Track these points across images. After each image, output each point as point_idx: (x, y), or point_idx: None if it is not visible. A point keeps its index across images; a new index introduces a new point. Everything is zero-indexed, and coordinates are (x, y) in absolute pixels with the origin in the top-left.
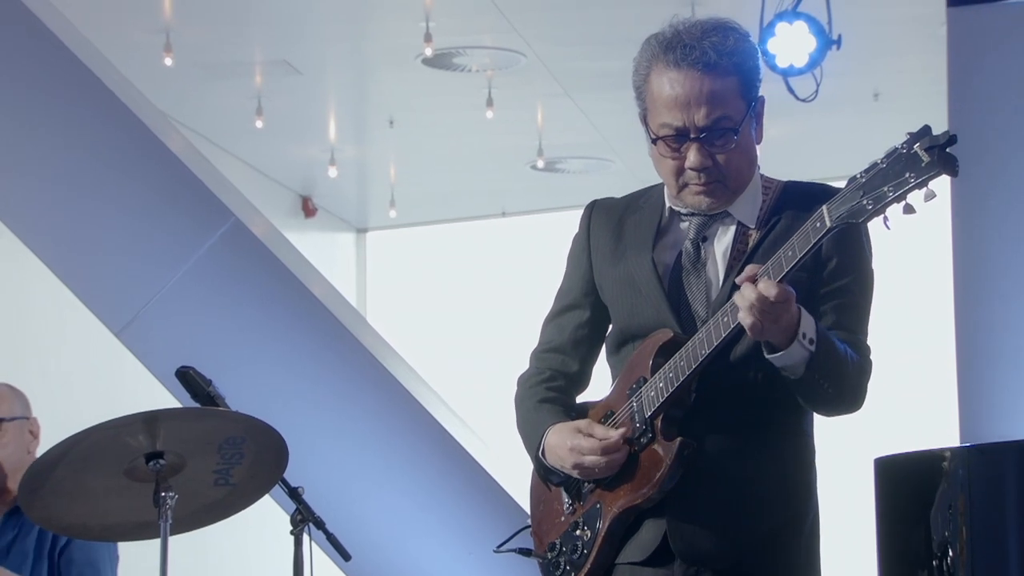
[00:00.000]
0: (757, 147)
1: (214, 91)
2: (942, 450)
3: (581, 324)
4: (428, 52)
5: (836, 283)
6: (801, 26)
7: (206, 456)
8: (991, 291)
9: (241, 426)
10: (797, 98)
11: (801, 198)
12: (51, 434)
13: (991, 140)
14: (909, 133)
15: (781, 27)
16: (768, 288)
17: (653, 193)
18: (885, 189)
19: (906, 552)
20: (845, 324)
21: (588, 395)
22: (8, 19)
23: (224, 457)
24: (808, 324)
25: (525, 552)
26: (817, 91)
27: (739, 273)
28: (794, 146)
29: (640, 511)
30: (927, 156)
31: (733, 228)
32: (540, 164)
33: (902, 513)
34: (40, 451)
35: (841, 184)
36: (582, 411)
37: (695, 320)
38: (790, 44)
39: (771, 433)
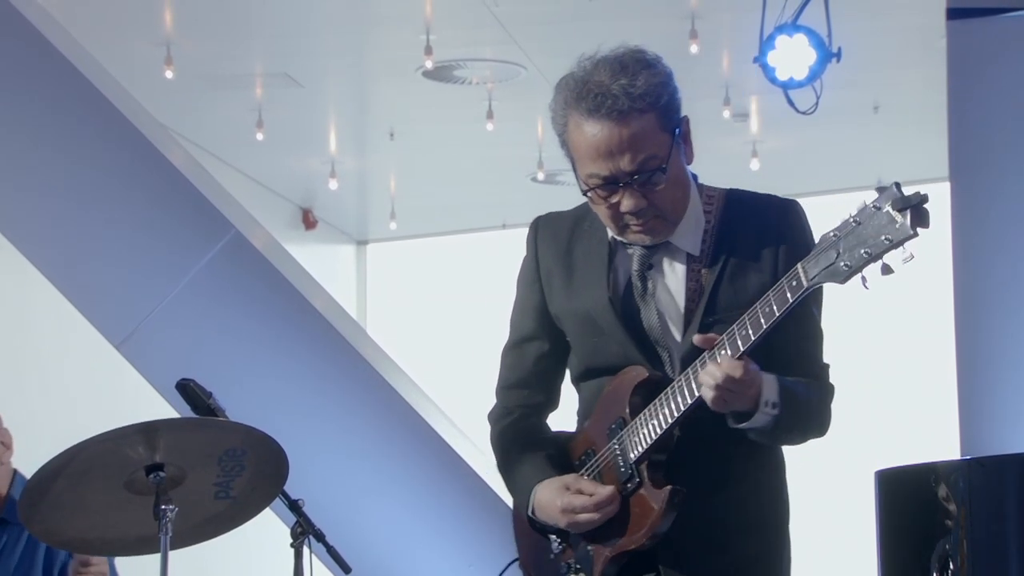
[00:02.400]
0: (689, 168)
1: (215, 103)
2: (943, 463)
3: (543, 356)
4: (428, 64)
5: (798, 311)
6: (801, 39)
7: (206, 468)
8: (991, 302)
9: (241, 437)
10: (797, 111)
11: (746, 215)
12: (51, 447)
13: (991, 152)
14: (878, 190)
15: (781, 40)
16: (734, 369)
17: (597, 217)
18: (862, 252)
19: (908, 565)
20: (807, 351)
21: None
22: (10, 32)
23: (224, 469)
24: (770, 389)
25: None
26: (817, 103)
27: (705, 314)
28: (795, 158)
29: (631, 555)
30: (900, 217)
31: (680, 259)
32: (540, 176)
33: (904, 526)
34: (33, 463)
35: (850, 194)
36: (558, 443)
37: (659, 354)
38: (790, 57)
39: (745, 468)
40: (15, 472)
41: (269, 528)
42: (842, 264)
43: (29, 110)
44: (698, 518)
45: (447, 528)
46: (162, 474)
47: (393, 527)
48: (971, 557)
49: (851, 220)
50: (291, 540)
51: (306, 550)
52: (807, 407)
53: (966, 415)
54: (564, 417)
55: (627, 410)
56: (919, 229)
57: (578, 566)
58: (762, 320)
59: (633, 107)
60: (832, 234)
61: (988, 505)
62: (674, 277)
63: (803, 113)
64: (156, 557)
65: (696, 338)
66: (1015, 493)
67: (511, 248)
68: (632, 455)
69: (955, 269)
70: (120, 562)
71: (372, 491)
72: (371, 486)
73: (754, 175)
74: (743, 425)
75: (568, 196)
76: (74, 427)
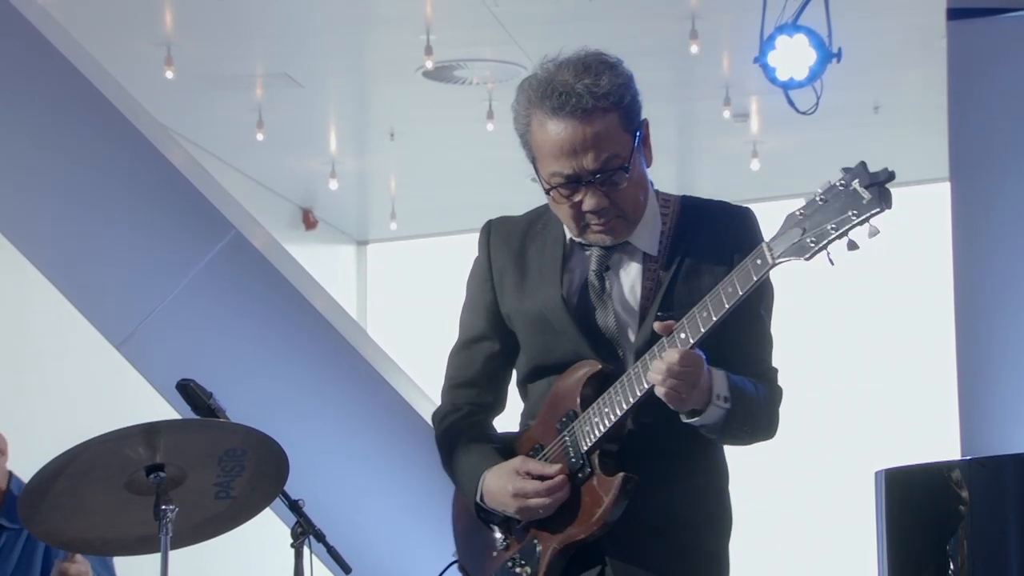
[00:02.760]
0: (648, 170)
1: (215, 104)
2: (946, 463)
3: (492, 356)
4: (429, 65)
5: (747, 311)
6: (801, 39)
7: (206, 469)
8: (991, 302)
9: (241, 437)
10: (797, 111)
11: (702, 220)
12: (51, 448)
13: (991, 152)
14: (844, 169)
15: (781, 40)
16: (673, 355)
17: (552, 219)
18: (828, 227)
19: (911, 564)
20: (757, 353)
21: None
22: (10, 32)
23: (224, 470)
24: (719, 383)
25: None
26: (817, 104)
27: (659, 309)
28: (794, 159)
29: (580, 546)
30: (867, 194)
31: (638, 259)
32: None
33: (908, 525)
34: (33, 463)
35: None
36: (503, 443)
37: (615, 351)
38: (790, 57)
39: (690, 461)
40: (10, 474)
41: (269, 528)
42: (808, 240)
43: (29, 110)
44: (646, 510)
45: (447, 528)
46: (162, 474)
47: (393, 527)
48: (971, 557)
49: (818, 199)
50: (291, 540)
51: (306, 550)
52: (756, 404)
53: (966, 415)
54: (508, 422)
55: (578, 402)
56: (885, 207)
57: (523, 561)
58: (724, 300)
59: (597, 106)
60: (798, 213)
61: (988, 505)
62: (630, 277)
63: (803, 113)
64: (156, 557)
65: (656, 325)
66: (1015, 493)
67: (472, 264)
68: (584, 445)
69: (955, 269)
70: (120, 562)
71: (372, 491)
72: (371, 486)
73: (754, 175)
74: (695, 420)
75: None
76: (74, 427)
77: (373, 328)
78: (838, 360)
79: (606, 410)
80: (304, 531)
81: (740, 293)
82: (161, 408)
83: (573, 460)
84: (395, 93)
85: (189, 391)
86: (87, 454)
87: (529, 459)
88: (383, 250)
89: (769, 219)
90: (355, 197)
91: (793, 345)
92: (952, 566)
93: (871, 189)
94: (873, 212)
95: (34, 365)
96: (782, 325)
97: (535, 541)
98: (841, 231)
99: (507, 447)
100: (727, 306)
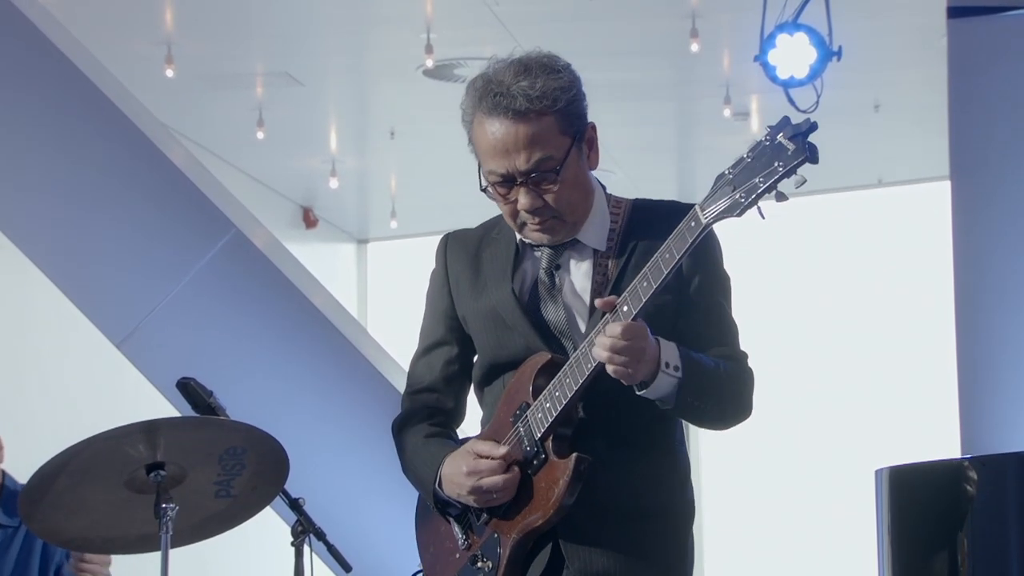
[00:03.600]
0: (592, 173)
1: (215, 102)
2: (949, 461)
3: (451, 360)
4: (429, 63)
5: (703, 299)
6: (802, 37)
7: (207, 467)
8: (991, 302)
9: (241, 436)
10: (798, 109)
11: (652, 218)
12: (52, 446)
13: (991, 151)
14: (769, 126)
15: (782, 38)
16: (614, 327)
17: (504, 224)
18: (756, 181)
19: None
20: (719, 338)
21: (462, 428)
22: (10, 32)
23: (225, 468)
24: (669, 352)
25: None
26: (818, 102)
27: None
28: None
29: (539, 534)
30: (792, 144)
31: (588, 256)
32: None
33: (909, 523)
34: (33, 462)
35: (850, 193)
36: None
37: (564, 345)
38: (791, 55)
39: (651, 449)
40: (4, 472)
41: (270, 527)
42: (739, 196)
43: (29, 109)
44: (601, 495)
45: None
46: (163, 473)
47: (393, 526)
48: (972, 555)
49: (745, 157)
50: (292, 539)
51: (307, 549)
52: (715, 376)
53: (966, 415)
54: (469, 431)
55: (530, 393)
56: (808, 157)
57: (485, 556)
58: (662, 266)
59: (531, 108)
60: (728, 172)
61: (990, 504)
62: (580, 273)
63: (804, 112)
64: (157, 555)
65: (597, 302)
66: (1015, 493)
67: (428, 278)
68: (537, 432)
69: (955, 269)
70: (120, 561)
71: (372, 490)
72: (372, 485)
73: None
74: (646, 392)
75: None
76: (75, 426)
77: (373, 327)
78: (838, 359)
79: (556, 394)
80: (304, 529)
81: (677, 256)
82: (162, 407)
83: (528, 448)
84: (395, 92)
85: (189, 389)
86: (87, 452)
87: (479, 440)
88: (383, 249)
89: (769, 219)
90: (355, 196)
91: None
92: (953, 564)
93: (795, 139)
94: (797, 161)
95: (34, 364)
96: (782, 325)
97: (495, 534)
98: (768, 183)
99: None
100: (664, 272)
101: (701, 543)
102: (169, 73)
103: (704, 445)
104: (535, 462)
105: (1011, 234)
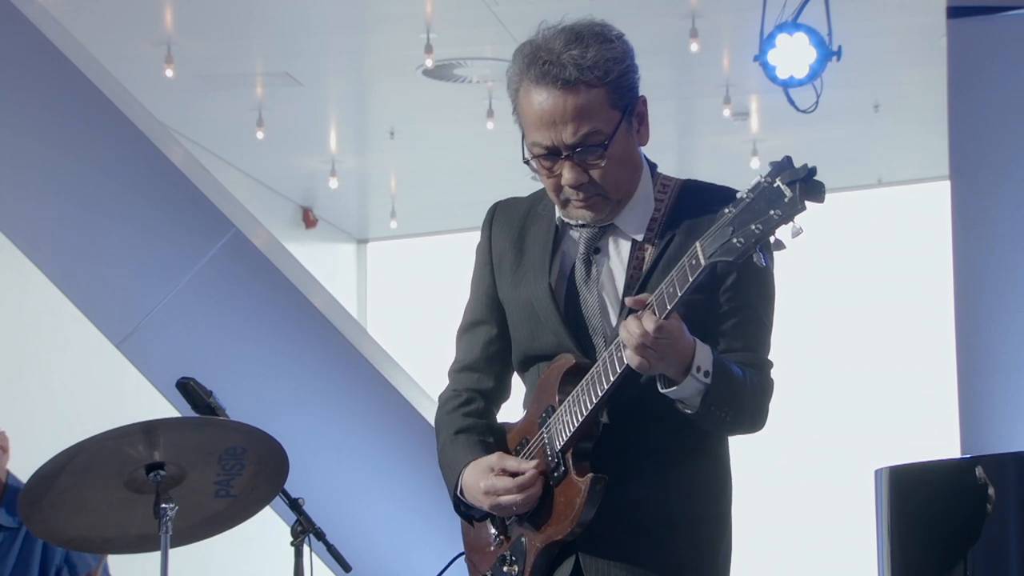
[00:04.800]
0: (641, 149)
1: (215, 102)
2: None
3: (491, 340)
4: (429, 63)
5: (736, 301)
6: (801, 37)
7: (206, 467)
8: (991, 301)
9: (241, 436)
10: (797, 109)
11: (698, 204)
12: (52, 446)
13: (990, 151)
14: (772, 163)
15: (781, 38)
16: (647, 321)
17: (549, 201)
18: (752, 227)
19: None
20: (746, 343)
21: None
22: (9, 31)
23: (225, 468)
24: (703, 356)
25: None
26: (817, 102)
27: (639, 294)
28: (794, 157)
29: (562, 545)
30: (789, 191)
31: (627, 243)
32: None
33: (910, 522)
34: (33, 462)
35: (850, 193)
36: (498, 434)
37: (593, 342)
38: (790, 55)
39: (681, 459)
40: (8, 472)
41: (269, 527)
42: (735, 241)
43: (29, 109)
44: (622, 506)
45: (447, 526)
46: (162, 473)
47: (393, 525)
48: (973, 554)
49: (745, 196)
50: (291, 539)
51: (306, 548)
52: (741, 388)
53: (966, 415)
54: (514, 408)
55: (556, 398)
56: (808, 203)
57: (513, 558)
58: (667, 302)
59: (580, 79)
60: (728, 211)
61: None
62: (618, 261)
63: (803, 112)
64: (156, 555)
65: (628, 300)
66: (1015, 493)
67: (474, 250)
68: (557, 443)
69: (955, 268)
70: (120, 561)
71: (372, 490)
72: (371, 485)
73: (754, 173)
74: (670, 391)
75: None
76: (74, 426)
77: (373, 326)
78: (838, 359)
79: (575, 408)
80: (304, 529)
81: (679, 293)
82: (161, 407)
83: (550, 459)
84: (395, 92)
85: (189, 389)
86: (87, 452)
87: (506, 456)
88: (383, 248)
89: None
90: (355, 196)
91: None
92: (953, 564)
93: (792, 186)
94: (794, 211)
95: (34, 364)
96: (782, 325)
97: (523, 539)
98: (765, 232)
99: (500, 437)
100: (668, 307)
101: None
102: (169, 73)
103: None
104: (556, 474)
105: (1011, 234)
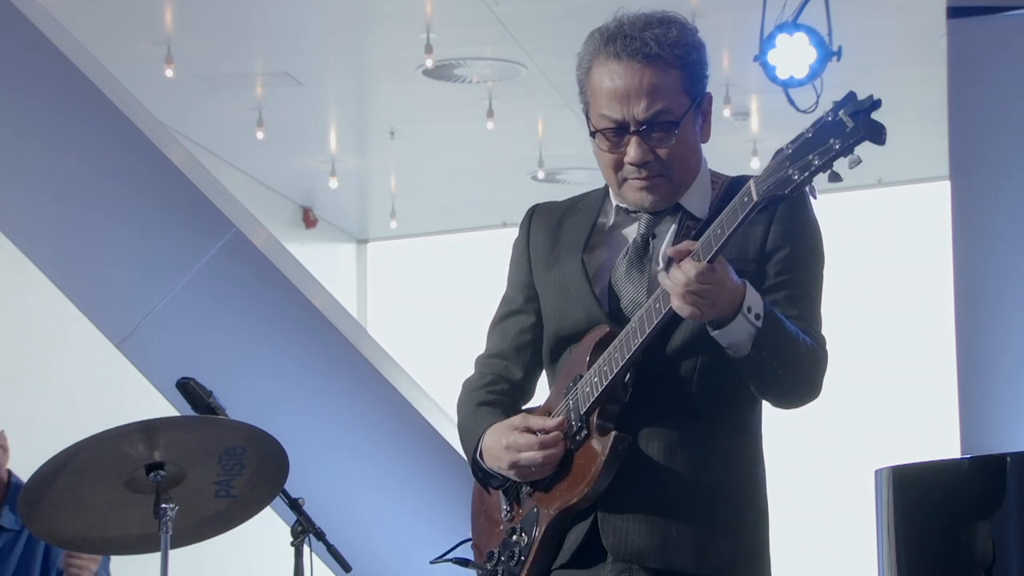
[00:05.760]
0: (703, 145)
1: (215, 102)
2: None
3: (524, 329)
4: (429, 63)
5: (787, 273)
6: (801, 37)
7: (206, 467)
8: (991, 302)
9: (241, 435)
10: (798, 109)
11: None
12: (52, 446)
13: (991, 151)
14: (834, 101)
15: (781, 38)
16: (689, 267)
17: (593, 195)
18: (810, 158)
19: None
20: (800, 313)
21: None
22: (9, 31)
23: (225, 468)
24: (754, 299)
25: (462, 562)
26: (818, 102)
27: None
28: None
29: (576, 512)
30: (851, 121)
31: (683, 224)
32: (541, 175)
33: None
34: (33, 462)
35: (850, 193)
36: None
37: (630, 318)
38: (790, 55)
39: (710, 427)
40: (9, 472)
41: (269, 527)
42: (792, 173)
43: (29, 109)
44: (643, 470)
45: (448, 527)
46: (162, 473)
47: (393, 526)
48: (973, 556)
49: (806, 132)
50: (291, 539)
51: (306, 549)
52: (794, 341)
53: (966, 415)
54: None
55: (585, 366)
56: (869, 143)
57: (523, 530)
58: (712, 242)
59: (661, 55)
60: (787, 147)
61: (990, 505)
62: (670, 239)
63: (804, 112)
64: (156, 556)
65: (669, 250)
66: (1016, 493)
67: (511, 247)
68: (583, 407)
69: (955, 268)
70: (121, 561)
71: (372, 490)
72: (371, 485)
73: (755, 174)
74: (719, 333)
75: (568, 195)
76: (74, 426)
77: (373, 327)
78: (838, 359)
79: (604, 368)
80: (304, 530)
81: (727, 233)
82: (161, 407)
83: (574, 423)
84: (395, 92)
85: (189, 389)
86: (87, 452)
87: (530, 416)
88: (383, 249)
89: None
90: (355, 196)
91: None
92: (956, 564)
93: (855, 117)
94: (854, 140)
95: (34, 363)
96: None
97: (536, 509)
98: (823, 162)
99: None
100: (715, 247)
101: None
102: (169, 73)
103: None
104: (578, 437)
105: (1011, 234)
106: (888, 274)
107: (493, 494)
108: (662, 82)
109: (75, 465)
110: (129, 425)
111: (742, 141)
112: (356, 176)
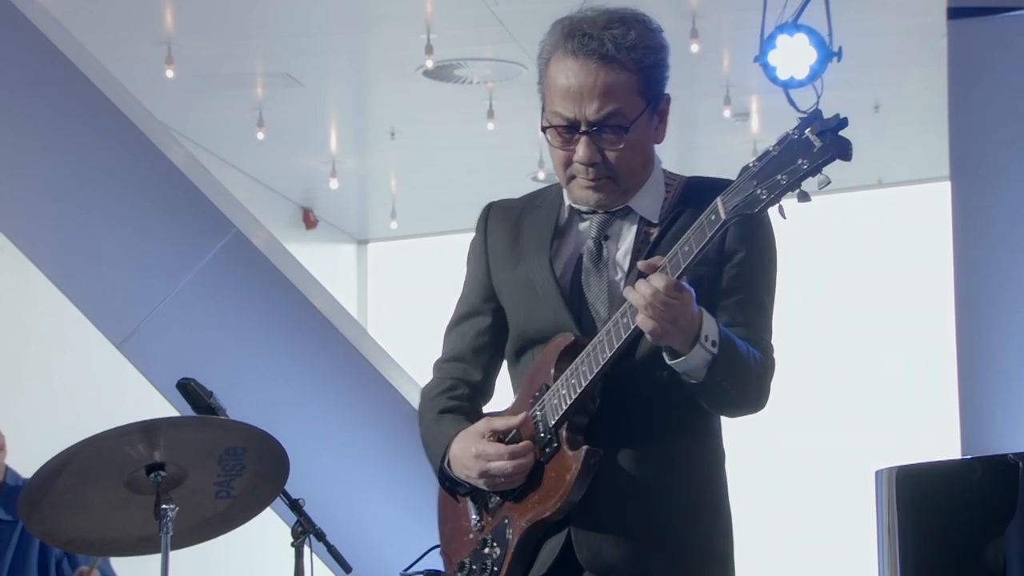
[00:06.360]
0: (656, 146)
1: (215, 103)
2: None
3: (482, 331)
4: (429, 64)
5: (741, 279)
6: (802, 38)
7: (207, 468)
8: (991, 302)
9: (241, 436)
10: (798, 110)
11: (703, 192)
12: (52, 446)
13: (991, 151)
14: (800, 117)
15: (782, 39)
16: (658, 280)
17: (550, 192)
18: (778, 178)
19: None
20: (748, 321)
21: (491, 406)
22: (10, 31)
23: (225, 469)
24: (710, 326)
25: (432, 574)
26: (818, 103)
27: (639, 273)
28: None
29: (548, 524)
30: (819, 141)
31: (635, 226)
32: (541, 176)
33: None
34: (33, 462)
35: (850, 194)
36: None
37: (596, 322)
38: (791, 56)
39: (678, 437)
40: (7, 468)
41: (270, 527)
42: (759, 192)
43: (29, 109)
44: (615, 482)
45: None
46: (163, 473)
47: (393, 526)
48: (972, 557)
49: (771, 150)
50: (292, 539)
51: (307, 549)
52: (745, 361)
53: (966, 415)
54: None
55: (552, 375)
56: (835, 155)
57: (495, 541)
58: (681, 261)
59: (617, 56)
60: (752, 164)
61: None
62: (627, 243)
63: (804, 113)
64: (157, 557)
65: (640, 264)
66: (1016, 494)
67: (468, 246)
68: (551, 419)
69: (955, 269)
70: (120, 562)
71: (373, 490)
72: (372, 485)
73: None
74: (678, 362)
75: None
76: (75, 426)
77: (373, 327)
78: (838, 360)
79: (572, 381)
80: (305, 530)
81: (695, 251)
82: (161, 407)
83: (542, 435)
84: (395, 92)
85: (189, 390)
86: (87, 453)
87: (493, 418)
88: (383, 249)
89: (782, 218)
90: (355, 196)
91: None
92: (955, 564)
93: (822, 136)
94: (823, 161)
95: (34, 364)
96: (782, 325)
97: (507, 520)
98: (791, 181)
99: None
100: (683, 265)
101: None
102: (169, 73)
103: None
104: (547, 449)
105: (1011, 234)
106: (888, 275)
107: (461, 501)
108: (616, 84)
109: (75, 466)
110: (129, 425)
111: (742, 142)
112: (356, 176)
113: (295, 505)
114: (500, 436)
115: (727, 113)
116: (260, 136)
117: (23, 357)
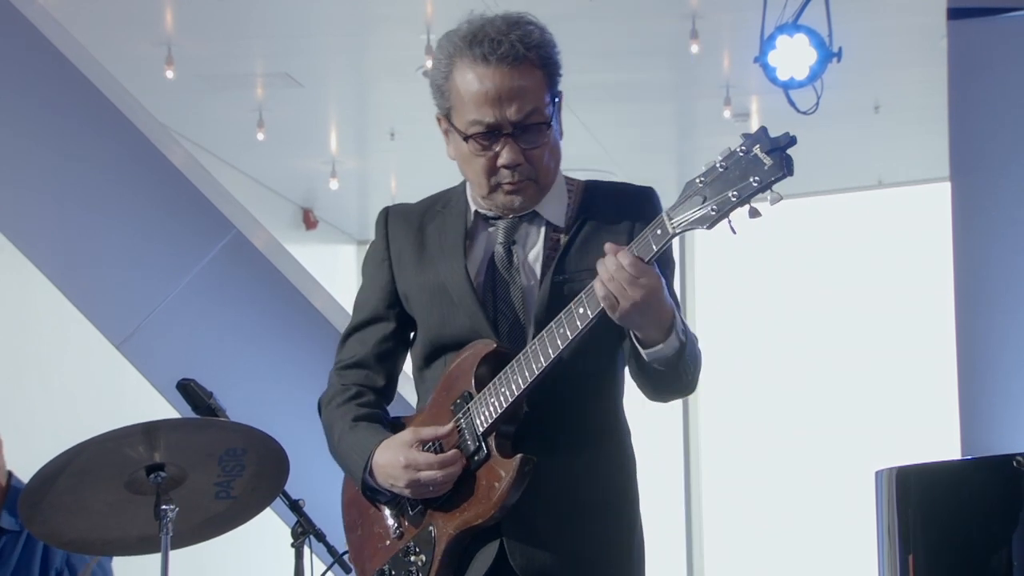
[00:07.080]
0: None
1: (215, 103)
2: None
3: (386, 337)
4: (429, 64)
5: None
6: (802, 39)
7: (207, 468)
8: (991, 302)
9: (241, 437)
10: (798, 111)
11: (605, 198)
12: (52, 447)
13: (991, 151)
14: (745, 135)
15: (782, 40)
16: (624, 256)
17: (452, 197)
18: (729, 195)
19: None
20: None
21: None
22: (10, 32)
23: (225, 469)
24: (678, 316)
25: None
26: (818, 103)
27: (555, 273)
28: (795, 158)
29: (478, 531)
30: (769, 159)
31: (542, 230)
32: None
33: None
34: (33, 463)
35: (850, 194)
36: (394, 426)
37: (511, 328)
38: (791, 57)
39: (604, 442)
40: (10, 473)
41: (270, 528)
42: (709, 209)
43: (29, 110)
44: (544, 490)
45: None
46: (163, 474)
47: None
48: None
49: (718, 165)
50: (292, 540)
51: (307, 550)
52: (695, 346)
53: (966, 415)
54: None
55: (473, 383)
56: (787, 173)
57: (418, 548)
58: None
59: (528, 56)
60: (698, 180)
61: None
62: (536, 248)
63: (804, 113)
64: (157, 557)
65: (608, 246)
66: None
67: (367, 250)
68: (480, 428)
69: (955, 269)
70: (121, 562)
71: None
72: None
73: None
74: (654, 350)
75: None
76: (75, 427)
77: None
78: (838, 360)
79: (503, 390)
80: (305, 531)
81: (650, 256)
82: (162, 408)
83: (469, 443)
84: (396, 92)
85: (190, 391)
86: (87, 454)
87: (420, 428)
88: None
89: (768, 218)
90: (355, 197)
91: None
92: (956, 564)
93: (772, 154)
94: (774, 178)
95: (34, 365)
96: (782, 325)
97: (431, 527)
98: (743, 198)
99: (398, 430)
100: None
101: (701, 542)
102: (169, 74)
103: (704, 444)
104: (476, 458)
105: (1011, 234)
106: (888, 275)
107: (373, 507)
108: (530, 83)
109: (76, 467)
110: (130, 427)
111: None
112: (356, 177)
113: (295, 505)
114: (426, 445)
115: (727, 113)
116: (260, 136)
117: (23, 357)
